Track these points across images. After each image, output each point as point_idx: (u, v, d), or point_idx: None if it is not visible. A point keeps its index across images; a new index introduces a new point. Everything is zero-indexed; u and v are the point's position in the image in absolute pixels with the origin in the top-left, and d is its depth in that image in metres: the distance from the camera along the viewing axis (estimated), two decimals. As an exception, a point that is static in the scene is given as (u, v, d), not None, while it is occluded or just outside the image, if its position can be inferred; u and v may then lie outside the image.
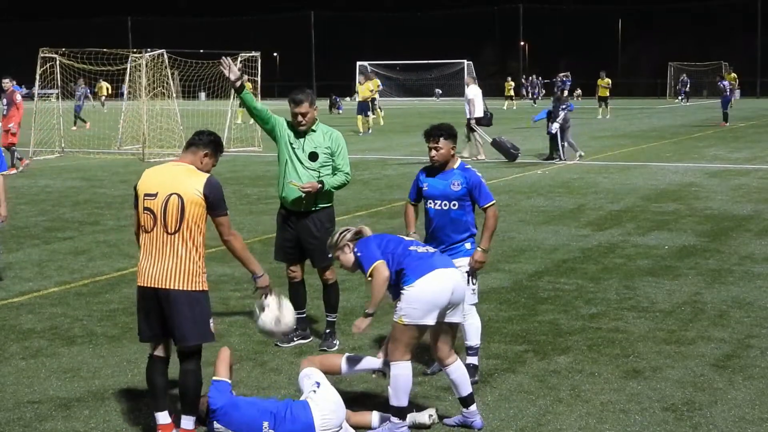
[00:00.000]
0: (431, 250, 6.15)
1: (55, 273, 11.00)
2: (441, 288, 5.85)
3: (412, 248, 6.00)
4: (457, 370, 6.09)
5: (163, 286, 5.65)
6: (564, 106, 23.51)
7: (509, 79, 60.61)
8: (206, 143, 5.96)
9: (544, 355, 7.60)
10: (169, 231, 5.68)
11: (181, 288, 5.65)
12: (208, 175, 5.84)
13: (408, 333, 5.85)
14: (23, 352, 7.87)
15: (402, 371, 5.86)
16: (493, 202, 6.97)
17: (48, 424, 6.23)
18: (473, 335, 7.04)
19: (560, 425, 6.11)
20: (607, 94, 45.26)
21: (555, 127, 23.31)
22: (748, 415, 6.25)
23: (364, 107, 36.05)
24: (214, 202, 5.75)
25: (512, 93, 59.28)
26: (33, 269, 11.20)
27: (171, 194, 5.69)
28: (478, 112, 25.01)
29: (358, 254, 6.00)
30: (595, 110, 45.35)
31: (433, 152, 6.93)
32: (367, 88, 36.78)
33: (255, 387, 6.90)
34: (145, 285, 5.73)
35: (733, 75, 49.09)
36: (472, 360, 7.02)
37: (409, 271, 5.86)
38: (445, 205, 6.90)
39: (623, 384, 6.86)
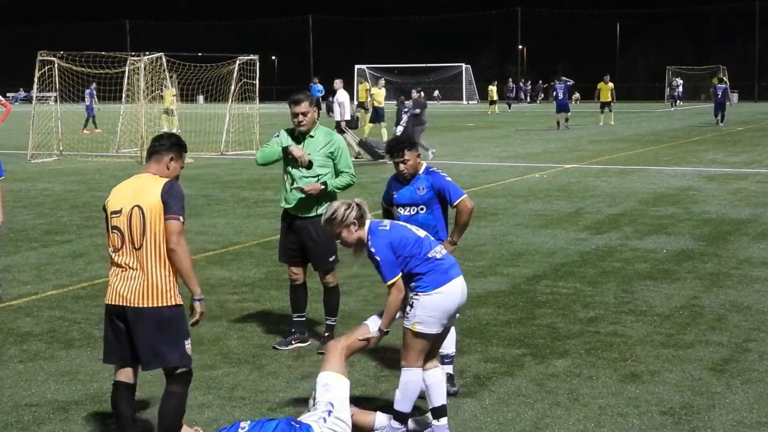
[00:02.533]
0: (443, 252, 6.01)
1: (53, 276, 10.99)
2: (454, 297, 5.84)
3: (431, 254, 5.86)
4: (434, 375, 5.97)
5: (132, 305, 5.32)
6: (405, 110, 25.37)
7: (495, 83, 60.78)
8: (168, 147, 5.63)
9: (542, 358, 7.60)
10: (135, 246, 5.34)
11: (149, 305, 5.30)
12: (167, 179, 5.50)
13: (420, 340, 5.81)
14: (21, 355, 7.87)
15: (413, 378, 5.84)
16: (464, 196, 6.93)
17: (46, 427, 6.23)
18: (449, 343, 6.81)
19: (558, 429, 6.10)
20: (609, 98, 42.72)
21: (398, 129, 25.00)
22: (746, 419, 6.25)
23: (381, 113, 31.10)
24: (168, 201, 5.34)
25: (495, 98, 59.20)
26: (31, 272, 11.19)
27: (133, 207, 5.38)
28: (347, 116, 27.03)
29: (377, 257, 5.77)
30: (595, 114, 44.13)
31: (402, 166, 6.93)
32: (382, 93, 32.33)
33: (252, 390, 6.90)
34: (113, 303, 5.39)
35: (724, 79, 48.59)
36: (448, 369, 6.82)
37: (428, 279, 5.79)
38: (413, 210, 6.95)
39: (621, 388, 6.86)
